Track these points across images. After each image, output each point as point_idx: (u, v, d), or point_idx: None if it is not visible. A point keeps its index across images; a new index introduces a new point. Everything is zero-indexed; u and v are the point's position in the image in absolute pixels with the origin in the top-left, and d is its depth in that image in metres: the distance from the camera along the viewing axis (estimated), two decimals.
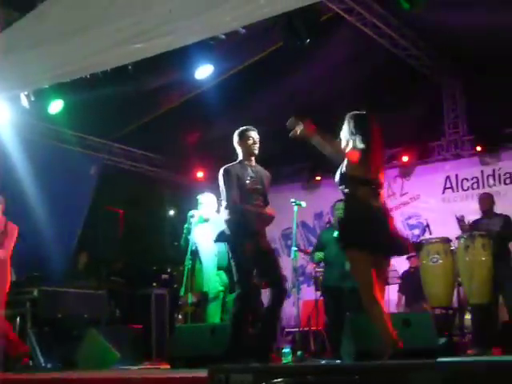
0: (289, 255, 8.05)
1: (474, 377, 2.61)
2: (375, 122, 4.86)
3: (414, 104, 10.30)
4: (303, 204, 7.10)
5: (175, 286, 9.61)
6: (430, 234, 8.15)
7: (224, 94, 9.41)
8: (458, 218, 7.83)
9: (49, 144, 9.84)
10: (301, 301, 8.21)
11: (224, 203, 5.58)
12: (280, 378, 2.77)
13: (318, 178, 11.53)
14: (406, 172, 11.14)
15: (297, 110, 4.76)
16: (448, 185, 10.77)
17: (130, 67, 6.76)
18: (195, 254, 7.04)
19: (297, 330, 8.06)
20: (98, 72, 6.33)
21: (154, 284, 10.04)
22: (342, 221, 4.91)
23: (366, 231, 4.58)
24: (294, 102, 10.40)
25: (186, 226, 7.17)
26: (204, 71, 8.03)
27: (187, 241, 7.09)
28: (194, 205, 7.31)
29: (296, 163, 11.82)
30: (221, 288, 6.84)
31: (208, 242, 6.84)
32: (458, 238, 7.55)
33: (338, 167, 4.79)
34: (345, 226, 4.76)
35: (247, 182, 5.57)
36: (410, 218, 10.94)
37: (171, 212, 12.78)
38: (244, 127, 5.74)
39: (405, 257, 9.66)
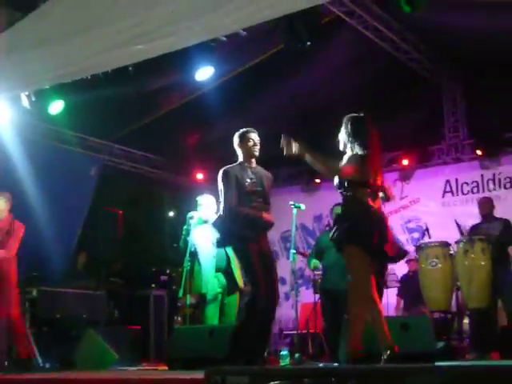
0: (288, 258, 8.06)
1: (472, 381, 2.60)
2: (373, 124, 4.86)
3: (414, 107, 10.30)
4: (302, 207, 7.09)
5: (174, 287, 9.62)
6: (429, 237, 8.15)
7: (224, 95, 9.41)
8: (457, 223, 7.84)
9: (49, 144, 9.84)
10: (299, 303, 8.20)
11: (221, 205, 5.59)
12: (276, 380, 2.77)
13: (318, 180, 11.51)
14: (405, 175, 11.13)
15: (287, 131, 4.80)
16: (448, 189, 10.76)
17: (130, 68, 6.76)
18: (194, 255, 7.02)
19: (295, 332, 8.05)
20: (99, 73, 6.32)
21: (153, 285, 10.05)
22: (339, 218, 4.86)
23: (364, 229, 4.58)
24: (295, 105, 10.42)
25: (185, 227, 7.16)
26: (204, 73, 8.02)
27: (186, 242, 7.08)
28: (194, 206, 7.30)
29: (295, 166, 11.78)
30: (219, 290, 6.82)
31: (207, 244, 6.84)
32: (457, 242, 7.55)
33: None
34: (342, 222, 4.72)
35: (247, 183, 5.57)
36: (409, 221, 10.93)
37: (171, 213, 12.78)
38: (244, 129, 5.74)
39: (404, 260, 9.68)
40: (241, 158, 5.70)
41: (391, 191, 5.07)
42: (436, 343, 5.94)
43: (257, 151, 5.70)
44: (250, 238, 5.44)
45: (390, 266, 8.88)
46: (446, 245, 7.61)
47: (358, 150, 4.73)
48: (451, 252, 7.55)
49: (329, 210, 7.99)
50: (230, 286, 6.78)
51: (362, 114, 4.92)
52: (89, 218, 10.68)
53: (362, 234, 4.58)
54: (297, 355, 6.60)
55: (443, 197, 10.78)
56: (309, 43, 6.66)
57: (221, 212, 5.62)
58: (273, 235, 10.68)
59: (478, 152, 10.48)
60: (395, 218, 10.96)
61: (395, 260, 5.01)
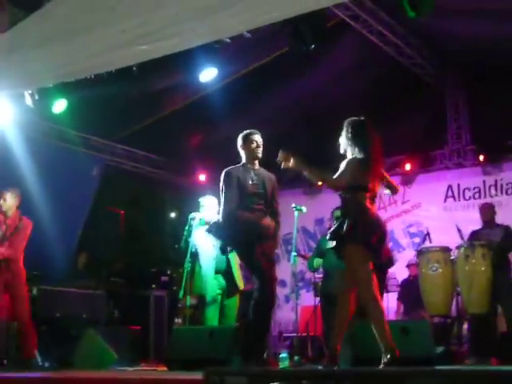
0: (289, 260, 8.04)
1: None
2: (374, 128, 4.86)
3: (417, 112, 10.31)
4: (304, 209, 7.10)
5: (174, 288, 9.61)
6: (430, 242, 8.14)
7: (228, 97, 9.42)
8: (458, 229, 7.84)
9: (52, 143, 9.84)
10: (299, 306, 8.20)
11: (221, 205, 5.60)
12: (275, 381, 2.77)
13: (320, 183, 11.48)
14: (408, 180, 11.12)
15: (284, 147, 4.85)
16: (450, 194, 10.75)
17: (134, 68, 6.76)
18: (195, 256, 7.02)
19: (295, 335, 8.04)
20: (103, 72, 6.33)
21: (154, 285, 10.04)
22: (340, 220, 4.85)
23: (363, 228, 4.58)
24: (299, 107, 10.42)
25: (186, 228, 7.16)
26: (208, 74, 8.04)
27: (187, 243, 7.08)
28: (196, 207, 7.30)
29: None
30: (218, 291, 6.81)
31: (208, 245, 6.84)
32: (458, 248, 7.54)
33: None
34: (343, 223, 4.71)
35: (249, 185, 5.57)
36: (410, 225, 10.92)
37: (172, 214, 12.78)
38: (248, 131, 5.75)
39: (405, 265, 9.69)
40: (244, 160, 5.71)
41: (395, 183, 5.10)
42: (435, 348, 5.94)
43: (260, 153, 5.71)
44: (251, 242, 5.44)
45: (391, 271, 8.91)
46: (446, 250, 7.60)
47: (357, 154, 4.73)
48: (452, 257, 7.54)
49: (330, 214, 7.99)
50: (230, 287, 6.78)
51: (363, 118, 4.92)
52: (90, 217, 10.68)
53: (361, 233, 4.58)
54: (296, 358, 6.59)
55: (445, 202, 10.77)
56: (313, 46, 6.67)
57: (219, 214, 5.62)
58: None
59: (481, 158, 10.48)
60: (397, 222, 10.98)
61: (382, 267, 5.02)
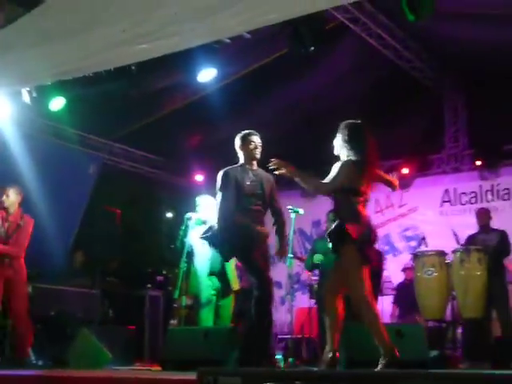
0: (285, 262, 8.04)
1: None
2: (370, 131, 4.86)
3: (415, 116, 10.32)
4: (301, 211, 7.10)
5: (170, 288, 9.60)
6: (426, 246, 8.15)
7: (227, 98, 9.41)
8: (454, 233, 7.85)
9: (49, 141, 9.83)
10: (294, 308, 8.20)
11: (218, 205, 5.60)
12: (269, 382, 2.77)
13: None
14: (405, 184, 11.12)
15: (277, 155, 4.92)
16: (446, 198, 10.76)
17: (133, 67, 6.75)
18: (191, 256, 7.01)
19: (289, 336, 8.04)
20: (102, 71, 6.32)
21: (149, 285, 10.02)
22: (335, 222, 4.85)
23: (357, 229, 4.58)
24: (298, 109, 10.42)
25: (182, 228, 7.15)
26: (207, 74, 8.02)
27: (183, 243, 7.05)
28: (192, 207, 7.29)
29: None
30: (213, 292, 6.79)
31: (203, 246, 6.82)
32: (453, 252, 7.56)
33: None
34: (338, 224, 4.71)
35: (246, 185, 5.58)
36: (407, 229, 10.93)
37: (169, 214, 12.76)
38: (246, 131, 5.76)
39: (400, 269, 9.69)
40: (242, 160, 5.71)
41: (394, 179, 5.10)
42: (429, 352, 5.94)
43: (258, 154, 5.72)
44: (248, 245, 5.45)
45: (386, 274, 8.92)
46: (442, 254, 7.61)
47: (352, 157, 4.73)
48: (447, 261, 7.55)
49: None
50: (225, 288, 6.76)
51: (359, 121, 4.91)
52: (87, 216, 10.67)
53: (355, 235, 4.58)
54: (291, 359, 6.59)
55: (441, 206, 10.78)
56: (312, 48, 6.68)
57: (216, 217, 5.62)
58: (270, 239, 10.66)
59: (478, 162, 10.49)
60: (393, 226, 10.98)
61: (375, 271, 5.03)
